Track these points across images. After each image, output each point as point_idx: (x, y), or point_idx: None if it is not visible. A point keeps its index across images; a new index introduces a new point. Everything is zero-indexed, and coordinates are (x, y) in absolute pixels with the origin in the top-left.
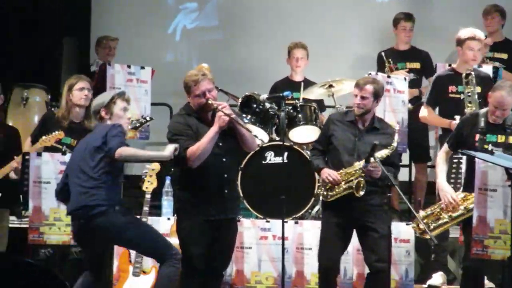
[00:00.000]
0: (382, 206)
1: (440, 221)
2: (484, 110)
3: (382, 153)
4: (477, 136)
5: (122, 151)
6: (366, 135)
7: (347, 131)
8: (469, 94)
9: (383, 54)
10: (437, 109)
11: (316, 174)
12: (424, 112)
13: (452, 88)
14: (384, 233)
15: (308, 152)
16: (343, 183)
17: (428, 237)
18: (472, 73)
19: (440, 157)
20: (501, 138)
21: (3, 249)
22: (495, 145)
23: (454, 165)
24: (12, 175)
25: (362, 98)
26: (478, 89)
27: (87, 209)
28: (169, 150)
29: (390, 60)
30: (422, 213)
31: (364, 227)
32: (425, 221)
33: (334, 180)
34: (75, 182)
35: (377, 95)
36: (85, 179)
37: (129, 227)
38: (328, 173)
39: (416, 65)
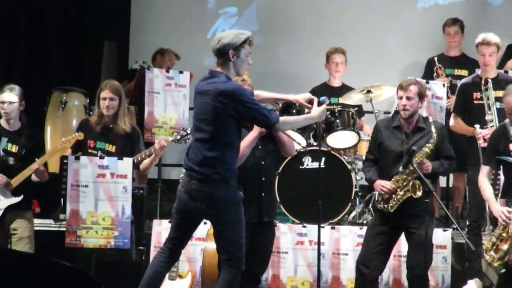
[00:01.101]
0: (427, 211)
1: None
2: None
3: (425, 150)
4: (511, 146)
5: (279, 129)
6: (412, 138)
7: (394, 137)
8: (488, 100)
9: (435, 59)
10: None
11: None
12: (451, 121)
13: (476, 94)
14: (425, 238)
15: (346, 158)
16: (398, 189)
17: (497, 264)
18: (489, 79)
19: (482, 179)
20: None
21: (31, 251)
22: None
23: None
24: (34, 178)
25: (408, 98)
26: (500, 94)
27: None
28: (318, 110)
29: (440, 65)
30: (486, 244)
31: (408, 232)
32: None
33: (389, 190)
34: None
35: (422, 95)
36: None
37: (238, 210)
38: (382, 185)
39: (464, 73)
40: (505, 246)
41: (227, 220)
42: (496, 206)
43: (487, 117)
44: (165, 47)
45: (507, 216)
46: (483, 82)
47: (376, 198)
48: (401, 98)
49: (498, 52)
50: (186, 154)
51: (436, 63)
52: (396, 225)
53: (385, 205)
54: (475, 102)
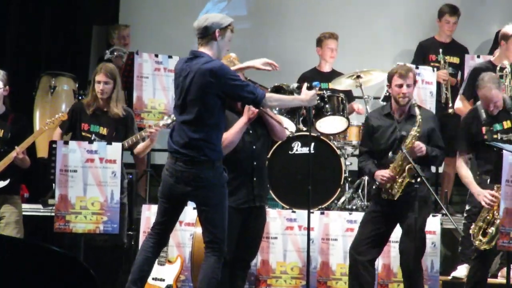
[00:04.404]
0: (418, 196)
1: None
2: (481, 102)
3: (413, 133)
4: (484, 129)
5: (264, 105)
6: (405, 125)
7: (385, 126)
8: (507, 88)
9: (440, 51)
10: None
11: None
12: (459, 103)
13: None
14: (418, 225)
15: (335, 143)
16: (397, 177)
17: (486, 247)
18: (508, 67)
19: (461, 166)
20: (507, 124)
21: (20, 236)
22: (504, 132)
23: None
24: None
25: (408, 86)
26: None
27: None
28: (308, 93)
29: (443, 57)
30: (473, 227)
31: (401, 218)
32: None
33: (388, 178)
34: None
35: (416, 81)
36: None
37: (224, 192)
38: (381, 175)
39: (455, 60)
40: (491, 229)
41: (213, 202)
42: (478, 190)
43: None
44: (112, 26)
45: (490, 199)
46: (498, 68)
47: (367, 187)
48: (401, 86)
49: None
50: (169, 136)
51: (442, 59)
52: (390, 212)
53: (389, 195)
54: None
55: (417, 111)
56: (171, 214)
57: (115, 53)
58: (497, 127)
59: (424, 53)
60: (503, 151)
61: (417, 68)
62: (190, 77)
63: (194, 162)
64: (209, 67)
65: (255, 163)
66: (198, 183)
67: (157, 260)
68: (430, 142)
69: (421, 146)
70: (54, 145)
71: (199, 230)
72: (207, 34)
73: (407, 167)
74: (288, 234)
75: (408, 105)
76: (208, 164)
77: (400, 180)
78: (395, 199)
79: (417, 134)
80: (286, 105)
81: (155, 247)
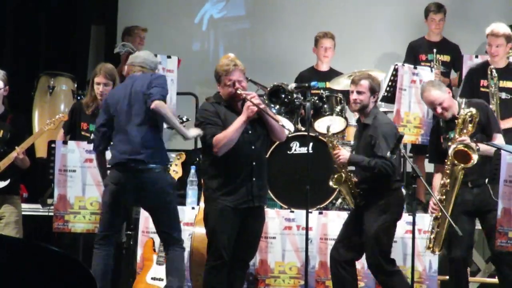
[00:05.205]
0: (376, 202)
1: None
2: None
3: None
4: (442, 138)
5: (159, 104)
6: (362, 133)
7: (357, 135)
8: (493, 90)
9: (435, 51)
10: None
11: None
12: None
13: (483, 82)
14: (371, 232)
15: (335, 143)
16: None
17: (437, 250)
18: (493, 70)
19: (434, 175)
20: None
21: (19, 236)
22: None
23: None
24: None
25: (358, 93)
26: (510, 84)
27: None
28: (193, 132)
29: (437, 57)
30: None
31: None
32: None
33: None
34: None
35: (373, 90)
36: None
37: (172, 192)
38: None
39: (446, 58)
40: (432, 235)
41: (165, 203)
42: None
43: (491, 107)
44: (130, 26)
45: (431, 207)
46: (489, 71)
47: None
48: (352, 92)
49: (509, 43)
50: (112, 149)
51: (434, 59)
52: (357, 218)
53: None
54: (482, 89)
55: (370, 120)
56: (119, 223)
57: (126, 49)
58: (451, 135)
59: (414, 53)
60: (501, 151)
61: (415, 68)
62: (132, 87)
63: (145, 168)
64: (148, 74)
65: (254, 163)
66: (151, 188)
67: (155, 259)
68: (374, 151)
69: (339, 155)
70: (53, 145)
71: (197, 230)
72: (154, 68)
73: (336, 175)
74: (286, 234)
75: (366, 113)
76: (161, 166)
77: (342, 190)
78: (353, 206)
79: (332, 141)
80: (169, 122)
81: (109, 255)
